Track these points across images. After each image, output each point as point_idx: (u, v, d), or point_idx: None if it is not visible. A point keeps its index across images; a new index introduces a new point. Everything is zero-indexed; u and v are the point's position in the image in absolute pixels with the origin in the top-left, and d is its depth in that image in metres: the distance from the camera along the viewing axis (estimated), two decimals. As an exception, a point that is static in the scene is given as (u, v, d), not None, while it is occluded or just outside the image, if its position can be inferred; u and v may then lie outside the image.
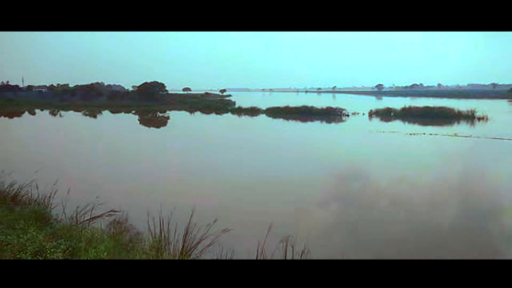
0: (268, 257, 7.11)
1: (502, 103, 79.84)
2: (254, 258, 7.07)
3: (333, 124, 41.90)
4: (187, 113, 60.07)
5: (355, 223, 11.36)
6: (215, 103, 73.01)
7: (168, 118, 54.44)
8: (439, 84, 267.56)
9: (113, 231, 7.58)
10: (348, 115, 48.41)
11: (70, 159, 20.95)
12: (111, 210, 9.09)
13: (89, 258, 4.94)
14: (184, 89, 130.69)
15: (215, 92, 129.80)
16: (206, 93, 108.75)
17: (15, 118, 53.89)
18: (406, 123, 39.95)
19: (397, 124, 39.05)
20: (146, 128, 43.69)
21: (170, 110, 64.90)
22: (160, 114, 58.61)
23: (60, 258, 4.85)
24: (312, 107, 51.90)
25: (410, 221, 11.54)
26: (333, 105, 53.51)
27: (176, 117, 55.18)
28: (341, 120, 45.01)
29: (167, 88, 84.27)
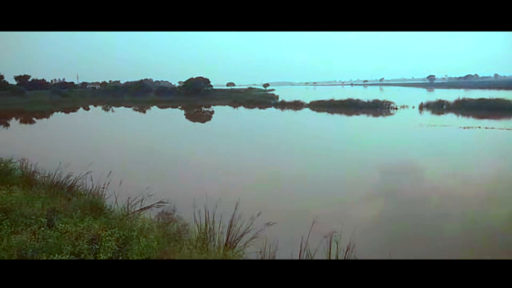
0: (312, 252, 7.03)
1: None
2: (298, 252, 7.03)
3: (380, 118, 40.55)
4: (231, 108, 60.83)
5: (403, 220, 10.94)
6: (258, 98, 73.27)
7: (212, 113, 55.46)
8: (495, 75, 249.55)
9: (161, 222, 7.86)
10: (396, 108, 46.60)
11: (121, 152, 21.99)
12: (160, 201, 9.43)
13: (140, 247, 5.16)
14: (228, 84, 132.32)
15: (258, 87, 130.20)
16: (249, 88, 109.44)
17: (71, 113, 57.46)
18: (460, 116, 37.80)
19: (449, 118, 37.05)
20: (192, 123, 44.83)
21: (214, 105, 66.05)
22: (205, 109, 59.85)
23: (114, 246, 5.11)
24: (357, 100, 50.55)
25: (462, 218, 10.92)
26: (380, 98, 51.75)
27: (220, 111, 56.08)
28: (388, 114, 43.44)
29: (211, 83, 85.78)
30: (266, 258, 6.94)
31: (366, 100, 49.88)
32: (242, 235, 7.64)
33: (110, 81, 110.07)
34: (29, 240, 5.00)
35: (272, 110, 55.06)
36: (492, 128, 27.92)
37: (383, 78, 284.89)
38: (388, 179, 15.48)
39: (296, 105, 55.47)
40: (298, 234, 7.40)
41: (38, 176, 10.80)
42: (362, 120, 39.96)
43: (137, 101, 73.34)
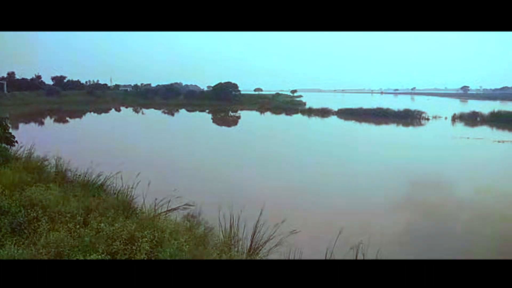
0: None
1: None
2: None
3: (410, 128, 39.56)
4: (257, 113, 61.02)
5: (433, 234, 10.60)
6: (285, 104, 73.14)
7: (239, 117, 55.81)
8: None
9: (188, 224, 7.97)
10: (428, 119, 45.31)
11: (150, 154, 22.46)
12: (186, 204, 9.56)
13: (172, 250, 5.21)
14: (255, 89, 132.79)
15: (286, 93, 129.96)
16: (277, 94, 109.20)
17: (103, 114, 59.32)
18: (494, 129, 36.31)
19: (484, 130, 35.68)
20: (218, 127, 45.26)
21: (241, 110, 66.47)
22: (232, 114, 60.32)
23: (147, 248, 5.15)
24: (387, 109, 49.48)
25: (494, 235, 10.47)
26: (412, 107, 50.48)
27: (247, 117, 56.35)
28: (419, 124, 42.30)
29: (239, 88, 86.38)
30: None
31: (396, 109, 48.75)
32: (266, 242, 7.62)
33: (142, 84, 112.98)
34: (66, 238, 5.16)
35: (299, 116, 54.83)
36: (530, 142, 26.67)
37: (414, 88, 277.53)
38: (416, 192, 15.04)
39: (324, 112, 54.96)
40: (323, 244, 7.32)
41: (71, 174, 11.18)
42: (391, 129, 39.12)
43: (166, 104, 74.88)
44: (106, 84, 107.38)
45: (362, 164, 20.04)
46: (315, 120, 49.49)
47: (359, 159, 21.59)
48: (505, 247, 9.78)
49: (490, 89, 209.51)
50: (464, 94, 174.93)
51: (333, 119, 49.50)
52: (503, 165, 20.18)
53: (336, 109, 54.65)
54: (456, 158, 22.16)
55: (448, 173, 18.23)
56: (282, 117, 55.96)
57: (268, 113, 60.70)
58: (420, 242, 10.10)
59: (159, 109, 67.97)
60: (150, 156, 21.54)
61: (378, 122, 43.06)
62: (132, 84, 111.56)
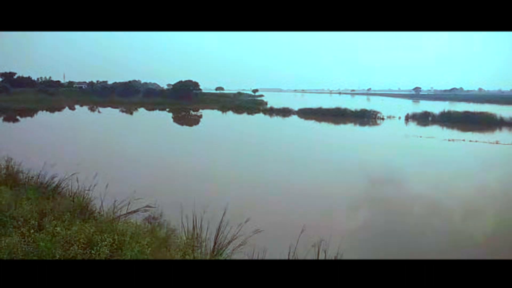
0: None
1: (550, 110, 75.28)
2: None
3: (366, 127, 41.05)
4: (219, 112, 60.76)
5: (389, 229, 11.08)
6: (247, 103, 73.41)
7: (200, 117, 55.29)
8: (480, 89, 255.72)
9: (149, 227, 7.78)
10: (383, 119, 47.27)
11: (107, 154, 21.73)
12: (147, 206, 9.31)
13: (133, 252, 5.07)
14: (217, 88, 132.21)
15: (247, 92, 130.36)
16: (239, 93, 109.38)
17: (56, 113, 56.51)
18: (445, 128, 38.52)
19: (435, 129, 37.73)
20: (179, 126, 44.57)
21: (203, 109, 65.91)
22: (193, 113, 59.64)
23: (107, 252, 5.00)
24: (345, 109, 51.11)
25: (444, 229, 11.12)
26: (368, 108, 52.42)
27: (209, 116, 55.94)
28: (375, 124, 44.02)
29: (200, 87, 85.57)
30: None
31: (353, 109, 50.51)
32: (229, 242, 7.61)
33: (97, 81, 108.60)
34: (19, 243, 4.87)
35: (260, 116, 55.20)
36: (476, 141, 28.54)
37: (370, 88, 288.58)
38: (372, 189, 15.66)
39: (285, 112, 55.76)
40: (285, 242, 7.42)
41: (23, 176, 10.56)
42: (349, 129, 40.40)
43: (124, 102, 72.66)
44: (59, 81, 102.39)
45: (322, 163, 20.54)
46: (277, 119, 50.06)
47: (318, 158, 22.11)
48: (456, 241, 10.41)
49: (441, 90, 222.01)
50: (416, 95, 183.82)
51: (294, 118, 50.33)
52: (453, 163, 21.44)
53: (296, 109, 55.64)
54: (410, 156, 23.28)
55: (402, 170, 19.10)
56: (244, 116, 56.08)
57: (230, 112, 60.58)
58: (379, 238, 10.51)
59: (117, 107, 65.82)
60: (108, 157, 20.82)
61: (336, 122, 44.34)
62: (87, 81, 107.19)
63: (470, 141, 28.63)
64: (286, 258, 7.05)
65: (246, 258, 7.10)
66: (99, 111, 60.22)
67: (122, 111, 60.59)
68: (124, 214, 8.44)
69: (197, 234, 7.75)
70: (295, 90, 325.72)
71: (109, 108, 64.90)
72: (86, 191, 9.85)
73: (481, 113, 44.21)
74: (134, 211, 8.85)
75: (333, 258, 6.84)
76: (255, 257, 7.04)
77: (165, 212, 9.51)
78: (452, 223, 11.76)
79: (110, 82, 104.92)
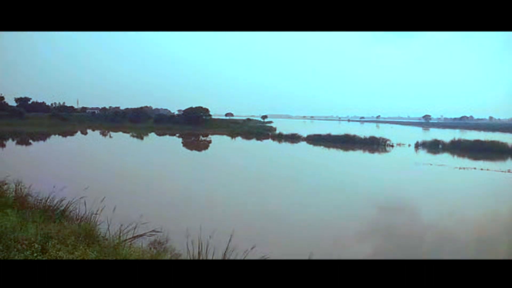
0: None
1: None
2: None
3: (376, 155, 40.76)
4: (228, 138, 61.11)
5: (399, 258, 10.79)
6: (256, 129, 73.85)
7: (210, 142, 55.64)
8: (490, 117, 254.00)
9: (154, 251, 7.71)
10: (392, 146, 46.97)
11: (117, 178, 21.84)
12: (153, 230, 9.27)
13: None
14: (226, 114, 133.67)
15: (256, 118, 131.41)
16: (248, 119, 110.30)
17: (68, 137, 57.45)
18: (455, 156, 38.07)
19: (445, 157, 37.29)
20: (188, 151, 44.83)
21: (212, 134, 66.42)
22: (203, 138, 60.08)
23: None
24: (354, 136, 50.99)
25: (454, 258, 10.80)
26: (377, 135, 52.26)
27: (218, 141, 56.28)
28: (384, 151, 43.72)
29: (210, 113, 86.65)
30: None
31: (362, 137, 50.37)
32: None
33: (110, 107, 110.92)
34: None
35: (269, 141, 55.34)
36: (488, 169, 28.08)
37: (379, 116, 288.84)
38: (383, 217, 15.39)
39: (293, 138, 55.86)
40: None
41: (31, 199, 10.64)
42: (358, 156, 40.16)
43: (135, 128, 73.69)
44: (72, 107, 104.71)
45: (331, 190, 20.33)
46: (285, 145, 50.10)
47: (328, 184, 21.91)
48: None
49: (451, 119, 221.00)
50: (426, 122, 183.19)
51: (303, 144, 50.32)
52: (465, 191, 21.04)
53: (305, 135, 55.72)
54: (420, 184, 22.94)
55: (412, 198, 18.79)
56: (253, 142, 56.29)
57: (239, 138, 60.91)
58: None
59: (128, 132, 66.72)
60: (117, 181, 20.94)
61: (345, 148, 44.18)
62: (100, 107, 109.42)
63: (482, 169, 28.19)
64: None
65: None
66: (110, 136, 61.06)
67: (133, 136, 61.34)
68: (130, 238, 8.40)
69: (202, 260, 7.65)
70: (304, 117, 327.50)
71: (120, 133, 65.80)
72: (93, 215, 9.88)
73: (492, 142, 43.72)
74: (140, 235, 8.81)
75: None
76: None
77: (171, 237, 9.45)
78: (464, 251, 11.41)
79: (122, 107, 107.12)
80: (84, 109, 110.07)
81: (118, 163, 29.32)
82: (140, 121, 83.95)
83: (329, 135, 53.34)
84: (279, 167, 29.71)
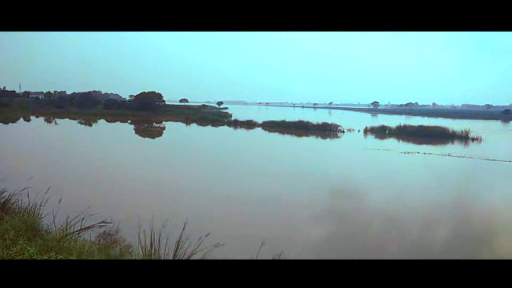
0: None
1: (496, 124, 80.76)
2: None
3: (328, 140, 42.04)
4: (183, 125, 60.05)
5: (349, 240, 11.32)
6: (211, 115, 73.15)
7: (163, 128, 54.38)
8: (434, 104, 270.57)
9: (103, 243, 7.47)
10: (343, 132, 48.66)
11: (63, 168, 20.77)
12: (102, 221, 8.97)
13: None
14: (181, 100, 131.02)
15: (212, 104, 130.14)
16: (203, 105, 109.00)
17: (10, 124, 53.58)
18: (401, 141, 40.18)
19: (391, 142, 39.26)
20: (141, 138, 43.54)
21: (166, 121, 64.89)
22: (156, 125, 58.55)
23: None
24: (308, 122, 52.16)
25: (401, 240, 11.52)
26: (329, 121, 53.82)
27: (172, 128, 55.13)
28: (336, 136, 45.20)
29: (164, 99, 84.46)
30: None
31: (315, 123, 51.67)
32: (189, 257, 7.46)
33: (55, 91, 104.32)
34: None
35: (225, 128, 55.12)
36: (430, 153, 29.98)
37: (331, 102, 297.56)
38: (334, 200, 16.00)
39: (249, 125, 56.06)
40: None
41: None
42: (311, 141, 41.19)
43: (83, 114, 70.11)
44: (14, 91, 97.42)
45: (284, 174, 20.73)
46: (241, 131, 50.18)
47: (281, 170, 22.31)
48: (412, 249, 10.80)
49: (397, 105, 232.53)
50: (375, 109, 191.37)
51: (258, 130, 50.67)
52: (409, 174, 22.36)
53: (260, 122, 56.14)
54: (368, 168, 24.04)
55: (361, 182, 19.67)
56: (208, 128, 55.77)
57: (194, 125, 60.04)
58: (339, 250, 10.70)
59: (75, 119, 63.35)
60: (64, 171, 19.91)
61: (299, 134, 45.13)
62: (44, 91, 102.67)
63: (424, 153, 30.04)
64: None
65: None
66: (56, 123, 57.67)
67: (81, 123, 58.35)
68: (77, 231, 8.06)
69: (155, 250, 7.54)
70: (259, 103, 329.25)
71: (67, 120, 62.33)
72: (37, 207, 9.36)
73: (435, 127, 46.72)
74: (88, 228, 8.49)
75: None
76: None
77: (122, 228, 9.20)
78: (409, 233, 12.19)
79: (68, 92, 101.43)
80: (27, 93, 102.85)
81: (64, 152, 27.83)
82: (88, 106, 79.95)
83: (283, 122, 54.15)
84: (234, 154, 29.77)
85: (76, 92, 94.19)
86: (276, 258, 7.23)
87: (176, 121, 65.10)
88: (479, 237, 11.93)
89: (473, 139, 40.71)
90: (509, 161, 26.00)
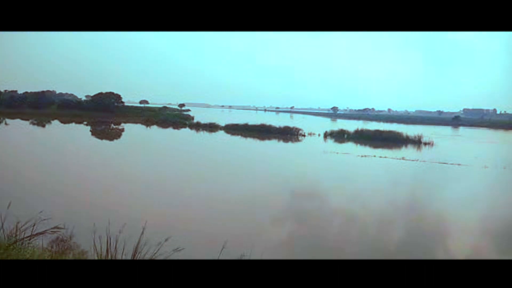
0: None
1: (447, 130, 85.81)
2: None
3: (289, 144, 42.69)
4: (143, 127, 58.63)
5: (309, 239, 11.55)
6: (172, 117, 71.97)
7: (122, 130, 52.81)
8: (389, 109, 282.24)
9: (55, 250, 7.13)
10: (304, 135, 49.61)
11: (13, 172, 19.61)
12: (55, 227, 8.53)
13: None
14: (141, 102, 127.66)
15: (173, 106, 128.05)
16: (164, 107, 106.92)
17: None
18: (358, 145, 41.61)
19: (350, 146, 40.54)
20: (98, 140, 42.00)
21: (125, 122, 63.02)
22: (114, 126, 56.73)
23: None
24: (270, 126, 52.68)
25: (359, 239, 11.92)
26: (291, 125, 54.65)
27: (131, 130, 53.65)
28: (297, 140, 46.00)
29: (123, 100, 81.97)
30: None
31: (278, 126, 52.31)
32: (148, 262, 7.28)
33: (5, 90, 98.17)
34: None
35: (187, 131, 54.42)
36: (386, 157, 31.28)
37: (293, 106, 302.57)
38: (295, 202, 16.27)
39: (212, 127, 55.75)
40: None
41: None
42: (273, 144, 41.64)
43: (36, 114, 66.50)
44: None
45: (247, 178, 20.81)
46: (203, 134, 49.77)
47: (244, 173, 22.38)
48: (370, 247, 11.19)
49: (355, 110, 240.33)
50: (334, 113, 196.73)
51: (221, 133, 50.50)
52: (365, 177, 23.17)
53: (223, 124, 55.98)
54: (327, 171, 24.69)
55: (321, 184, 20.16)
56: (170, 130, 54.80)
57: (154, 127, 58.77)
58: (301, 250, 10.88)
59: (27, 119, 59.99)
60: (14, 174, 18.79)
61: (262, 138, 45.49)
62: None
63: (380, 157, 31.29)
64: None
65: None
66: (6, 123, 54.32)
67: (33, 124, 55.37)
68: (27, 237, 7.62)
69: (111, 256, 7.29)
70: (222, 106, 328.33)
71: (18, 120, 58.88)
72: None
73: (390, 132, 48.84)
74: (40, 233, 8.03)
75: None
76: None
77: (76, 233, 8.83)
78: (367, 229, 12.64)
79: (20, 91, 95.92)
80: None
81: (15, 154, 26.28)
82: (42, 106, 75.99)
83: (246, 125, 54.32)
84: (196, 157, 29.47)
85: (28, 91, 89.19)
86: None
87: (136, 122, 63.40)
88: (431, 236, 12.60)
89: (425, 144, 42.98)
90: (458, 164, 27.69)
